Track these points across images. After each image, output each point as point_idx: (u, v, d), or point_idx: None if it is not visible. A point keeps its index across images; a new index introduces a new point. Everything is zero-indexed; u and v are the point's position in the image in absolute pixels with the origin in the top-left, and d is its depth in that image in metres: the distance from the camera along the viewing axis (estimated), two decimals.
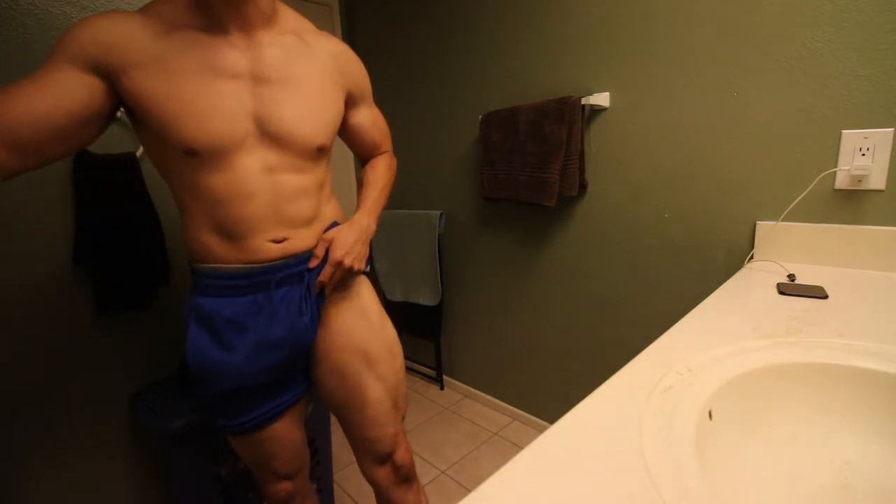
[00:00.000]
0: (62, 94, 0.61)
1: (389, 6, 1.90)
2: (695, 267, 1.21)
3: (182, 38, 0.67)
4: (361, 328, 0.86)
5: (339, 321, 0.85)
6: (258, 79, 0.71)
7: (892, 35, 0.86)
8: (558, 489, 0.34)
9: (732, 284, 0.86)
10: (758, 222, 1.06)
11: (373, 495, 1.40)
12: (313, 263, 0.80)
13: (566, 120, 1.29)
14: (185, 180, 0.72)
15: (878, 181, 0.91)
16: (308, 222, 0.80)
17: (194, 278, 0.79)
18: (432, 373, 2.13)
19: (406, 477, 0.91)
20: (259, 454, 0.85)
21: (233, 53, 0.70)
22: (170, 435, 1.01)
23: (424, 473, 1.52)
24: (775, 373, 0.52)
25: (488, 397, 1.91)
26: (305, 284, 0.80)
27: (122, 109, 0.70)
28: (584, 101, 1.29)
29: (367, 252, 0.87)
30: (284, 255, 0.77)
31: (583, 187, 1.38)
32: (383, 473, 0.90)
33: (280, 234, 0.76)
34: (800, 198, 0.99)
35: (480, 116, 1.56)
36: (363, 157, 0.99)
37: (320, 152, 0.79)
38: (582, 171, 1.36)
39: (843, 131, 0.93)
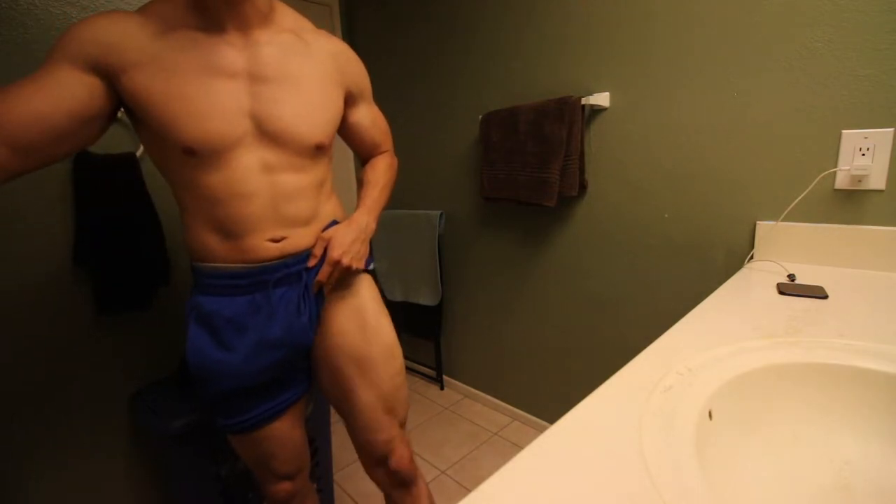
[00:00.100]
0: (63, 94, 0.61)
1: (389, 6, 1.90)
2: (695, 267, 1.21)
3: (180, 37, 0.67)
4: (355, 331, 0.84)
5: (335, 322, 0.84)
6: (255, 77, 0.72)
7: (892, 35, 0.86)
8: (558, 489, 0.34)
9: (732, 284, 0.86)
10: (758, 222, 1.06)
11: (372, 496, 1.41)
12: (311, 263, 0.80)
13: (566, 120, 1.29)
14: (185, 180, 0.72)
15: (878, 181, 0.91)
16: (307, 221, 0.80)
17: (195, 277, 0.80)
18: (432, 373, 2.13)
19: (403, 482, 0.89)
20: (258, 453, 0.85)
21: (230, 52, 0.70)
22: (170, 435, 1.01)
23: (424, 473, 1.52)
24: (775, 373, 0.52)
25: (488, 397, 1.91)
26: (304, 284, 0.80)
27: (122, 109, 0.70)
28: (584, 101, 1.29)
29: (367, 251, 0.86)
30: (282, 255, 0.77)
31: (583, 187, 1.38)
32: (380, 476, 0.90)
33: (278, 234, 0.76)
34: (800, 198, 0.99)
35: (480, 116, 1.56)
36: (363, 156, 0.99)
37: (319, 151, 0.79)
38: (582, 171, 1.36)
39: (843, 131, 0.93)
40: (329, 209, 0.85)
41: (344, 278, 0.85)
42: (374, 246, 2.09)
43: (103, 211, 1.09)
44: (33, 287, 1.05)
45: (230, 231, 0.74)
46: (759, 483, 0.44)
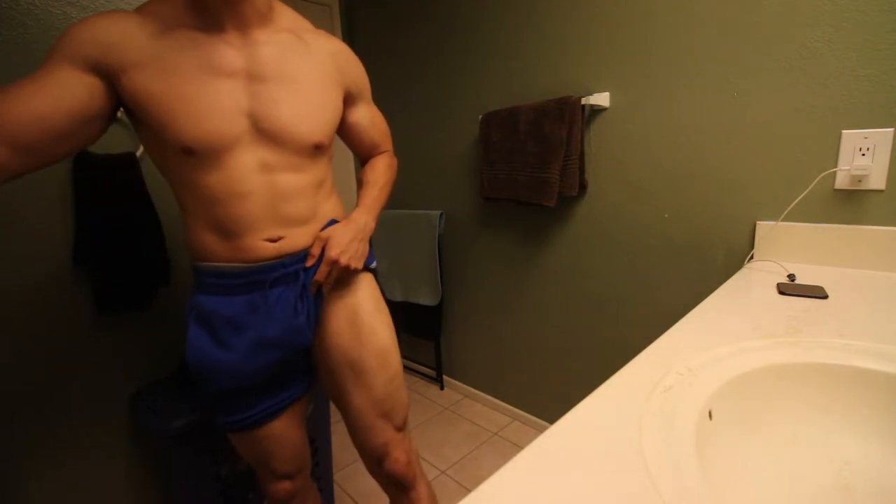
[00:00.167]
0: (63, 94, 0.61)
1: (389, 6, 1.90)
2: (695, 267, 1.21)
3: (179, 37, 0.67)
4: (348, 333, 0.83)
5: (331, 323, 0.84)
6: (254, 77, 0.72)
7: (892, 35, 0.86)
8: (558, 489, 0.34)
9: (732, 284, 0.86)
10: (758, 222, 1.06)
11: (372, 496, 1.41)
12: (309, 262, 0.80)
13: (566, 120, 1.29)
14: (184, 179, 0.72)
15: (878, 181, 0.91)
16: (305, 221, 0.80)
17: (195, 277, 0.80)
18: (432, 373, 2.13)
19: (400, 485, 0.87)
20: (258, 452, 0.85)
21: (229, 52, 0.70)
22: (170, 435, 1.01)
23: (425, 473, 1.52)
24: (775, 373, 0.52)
25: (488, 397, 1.91)
26: (301, 284, 0.80)
27: (121, 109, 0.70)
28: (584, 101, 1.29)
29: (366, 250, 0.86)
30: (279, 255, 0.77)
31: (583, 187, 1.38)
32: (378, 477, 0.89)
33: (276, 234, 0.76)
34: (800, 198, 0.99)
35: (480, 116, 1.56)
36: (362, 156, 0.99)
37: (318, 150, 0.79)
38: (582, 171, 1.36)
39: (843, 131, 0.93)
40: (328, 209, 0.85)
41: (343, 278, 0.84)
42: (375, 246, 2.09)
43: (103, 211, 1.09)
44: (33, 287, 1.05)
45: (228, 231, 0.74)
46: (759, 483, 0.44)
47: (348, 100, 0.88)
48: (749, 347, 0.56)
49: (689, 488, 0.33)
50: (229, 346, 0.76)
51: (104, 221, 1.09)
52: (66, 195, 1.08)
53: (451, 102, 1.75)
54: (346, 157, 2.14)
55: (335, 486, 1.46)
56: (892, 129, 0.88)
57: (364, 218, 0.86)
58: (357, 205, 0.90)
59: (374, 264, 0.91)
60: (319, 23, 1.98)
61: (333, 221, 0.85)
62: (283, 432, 0.85)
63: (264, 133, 0.73)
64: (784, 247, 1.02)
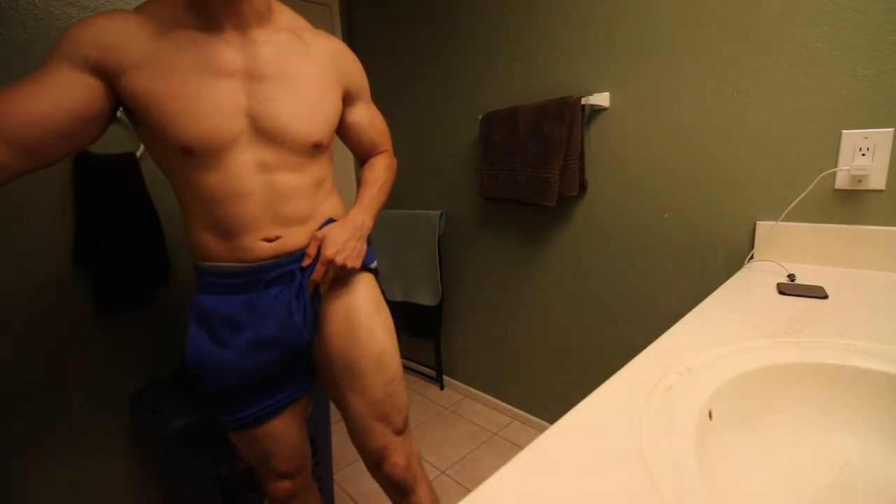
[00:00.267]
0: (63, 94, 0.61)
1: (389, 6, 1.90)
2: (695, 267, 1.21)
3: (178, 37, 0.67)
4: (344, 334, 0.82)
5: (329, 324, 0.83)
6: (253, 76, 0.72)
7: (892, 35, 0.86)
8: (558, 489, 0.34)
9: (732, 284, 0.86)
10: (758, 222, 1.06)
11: (372, 496, 1.41)
12: (306, 262, 0.80)
13: (566, 120, 1.30)
14: (184, 179, 0.72)
15: (878, 181, 0.91)
16: (303, 221, 0.80)
17: (197, 276, 0.80)
18: (432, 373, 2.13)
19: (399, 489, 0.86)
20: (258, 451, 0.85)
21: (228, 52, 0.70)
22: (170, 435, 1.01)
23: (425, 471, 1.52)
24: (775, 373, 0.52)
25: (488, 397, 1.91)
26: (298, 284, 0.80)
27: (121, 109, 0.70)
28: (584, 101, 1.29)
29: (363, 249, 0.85)
30: (276, 255, 0.77)
31: (583, 187, 1.38)
32: (378, 479, 0.88)
33: (273, 233, 0.76)
34: (800, 198, 0.99)
35: (480, 116, 1.56)
36: (361, 156, 0.99)
37: (317, 150, 0.79)
38: (582, 171, 1.36)
39: (843, 131, 0.93)
40: (327, 208, 0.84)
41: (340, 277, 0.84)
42: (375, 246, 2.09)
43: (103, 211, 1.09)
44: (33, 287, 1.05)
45: (226, 230, 0.74)
46: (759, 483, 0.44)
47: (347, 99, 0.88)
48: (749, 347, 0.56)
49: (689, 488, 0.33)
50: (228, 345, 0.77)
51: (104, 222, 1.09)
52: (66, 195, 1.08)
53: (451, 102, 1.75)
54: (346, 157, 2.14)
55: (335, 486, 1.46)
56: (892, 129, 0.88)
57: (361, 217, 0.86)
58: (355, 204, 0.90)
59: (374, 264, 0.90)
60: (319, 23, 1.98)
61: (331, 220, 0.84)
62: (283, 431, 0.85)
63: (263, 132, 0.73)
64: (784, 247, 1.02)
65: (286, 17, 0.79)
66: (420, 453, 0.92)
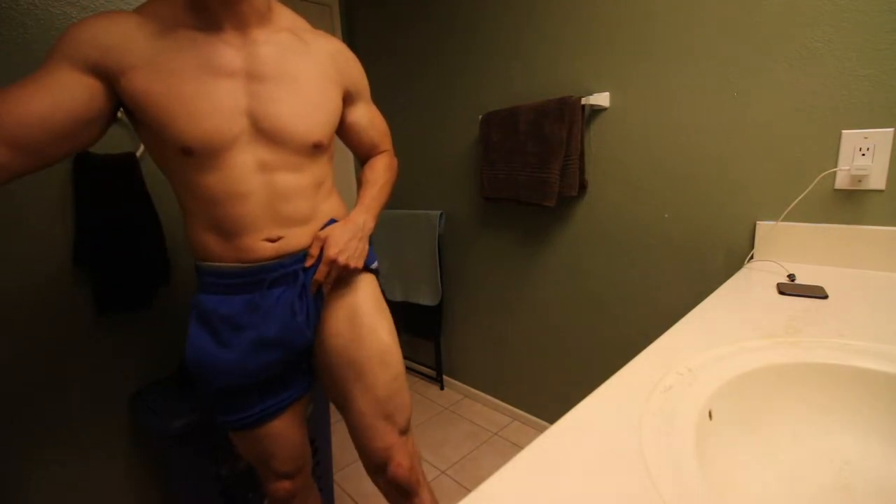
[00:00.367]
0: (63, 94, 0.61)
1: (389, 6, 1.90)
2: (695, 267, 1.21)
3: (178, 37, 0.67)
4: (349, 332, 0.82)
5: (332, 323, 0.83)
6: (253, 76, 0.72)
7: (892, 35, 0.86)
8: (558, 489, 0.34)
9: (732, 284, 0.86)
10: (758, 222, 1.06)
11: (372, 496, 1.41)
12: (308, 262, 0.80)
13: (566, 120, 1.30)
14: (184, 180, 0.72)
15: (878, 181, 0.91)
16: (304, 221, 0.80)
17: (197, 276, 0.80)
18: (432, 373, 2.13)
19: (404, 491, 0.84)
20: (258, 451, 0.85)
21: (228, 52, 0.70)
22: (170, 435, 1.01)
23: (425, 473, 1.52)
24: (775, 373, 0.52)
25: (488, 397, 1.91)
26: (300, 284, 0.80)
27: (121, 110, 0.70)
28: (584, 101, 1.29)
29: (366, 249, 0.85)
30: (279, 255, 0.77)
31: (583, 187, 1.38)
32: (379, 482, 0.87)
33: (275, 233, 0.76)
34: (800, 198, 0.99)
35: (480, 116, 1.56)
36: (361, 156, 0.99)
37: (317, 150, 0.79)
38: (582, 171, 1.36)
39: (843, 131, 0.93)
40: (328, 208, 0.84)
41: (342, 277, 0.84)
42: (375, 246, 2.09)
43: (103, 211, 1.09)
44: (34, 288, 1.05)
45: (227, 230, 0.74)
46: (759, 483, 0.44)
47: (347, 99, 0.88)
48: (749, 347, 0.56)
49: (689, 488, 0.33)
50: (229, 345, 0.77)
51: (104, 222, 1.09)
52: (66, 195, 1.08)
53: (451, 102, 1.75)
54: (347, 157, 2.14)
55: (335, 486, 1.46)
56: (892, 129, 0.88)
57: (363, 217, 0.86)
58: (356, 204, 0.90)
59: (375, 264, 0.90)
60: (319, 23, 1.98)
61: (333, 221, 0.85)
62: (284, 432, 0.85)
63: (263, 132, 0.73)
64: (784, 247, 1.02)
65: (286, 17, 0.79)
66: (420, 455, 0.91)
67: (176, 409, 1.05)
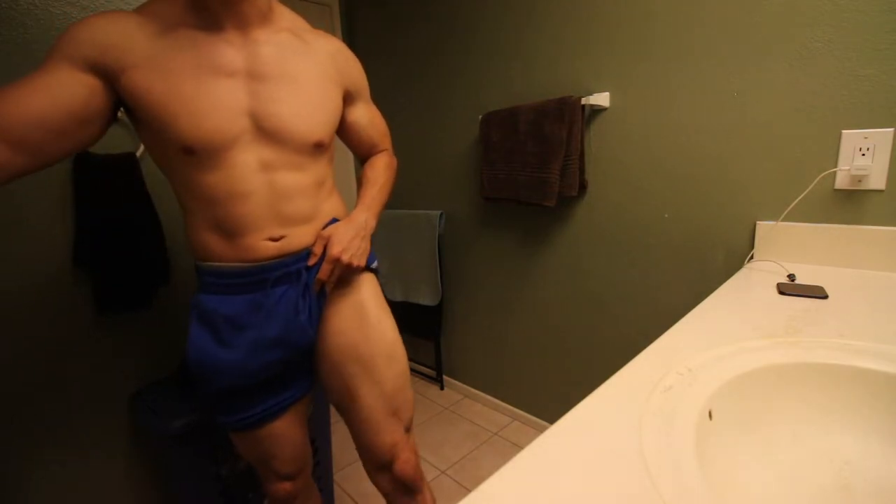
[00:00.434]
0: (61, 92, 0.60)
1: (389, 6, 1.90)
2: (695, 267, 1.21)
3: (179, 36, 0.67)
4: (356, 329, 0.83)
5: (336, 321, 0.83)
6: (254, 76, 0.72)
7: (892, 35, 0.86)
8: (558, 489, 0.34)
9: (732, 284, 0.86)
10: (758, 222, 1.06)
11: (372, 496, 1.41)
12: (311, 261, 0.80)
13: (566, 120, 1.30)
14: (185, 179, 0.72)
15: (878, 181, 0.91)
16: (306, 220, 0.80)
17: (198, 276, 0.80)
18: (432, 373, 2.13)
19: (408, 489, 0.85)
20: (259, 452, 0.85)
21: (229, 51, 0.70)
22: (170, 435, 1.01)
23: (425, 473, 1.52)
24: (775, 373, 0.52)
25: (488, 397, 1.91)
26: (303, 283, 0.80)
27: (122, 110, 0.70)
28: (584, 101, 1.29)
29: (368, 248, 0.86)
30: (281, 254, 0.77)
31: (583, 187, 1.38)
32: (383, 481, 0.86)
33: (277, 233, 0.76)
34: (800, 198, 0.99)
35: (480, 116, 1.56)
36: (361, 155, 0.99)
37: (318, 149, 0.79)
38: (582, 171, 1.36)
39: (843, 131, 0.93)
40: (329, 208, 0.85)
41: (345, 276, 0.84)
42: (375, 246, 2.09)
43: (103, 211, 1.09)
44: (34, 288, 1.05)
45: (229, 230, 0.74)
46: (759, 483, 0.44)
47: (347, 99, 0.88)
48: (749, 347, 0.56)
49: (689, 488, 0.33)
50: (231, 345, 0.76)
51: (104, 222, 1.09)
52: (66, 195, 1.08)
53: (451, 102, 1.75)
54: (347, 157, 2.14)
55: (335, 486, 1.46)
56: (892, 129, 0.88)
57: (365, 216, 0.86)
58: (357, 203, 0.90)
59: (375, 264, 0.91)
60: (319, 23, 1.98)
61: (335, 220, 0.85)
62: (286, 432, 0.85)
63: (265, 132, 0.73)
64: (784, 247, 1.02)
65: (286, 17, 0.79)
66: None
67: (176, 409, 1.05)
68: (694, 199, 1.18)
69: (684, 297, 1.24)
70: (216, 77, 0.69)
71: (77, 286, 1.11)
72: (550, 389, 1.66)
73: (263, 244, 0.75)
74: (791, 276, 0.87)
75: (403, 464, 0.84)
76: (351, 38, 2.11)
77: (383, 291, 0.93)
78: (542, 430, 1.72)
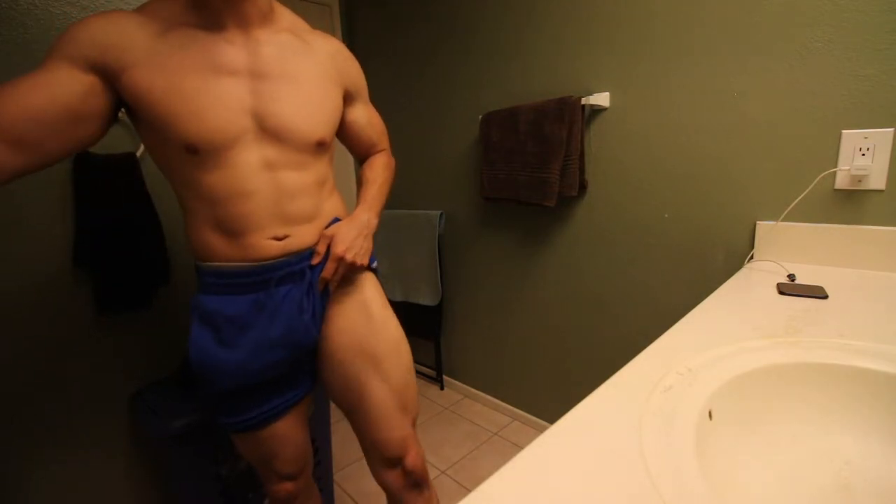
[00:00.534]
0: (59, 90, 0.60)
1: (389, 6, 1.90)
2: (695, 267, 1.21)
3: (180, 36, 0.67)
4: (363, 326, 0.83)
5: (341, 319, 0.84)
6: (256, 75, 0.72)
7: (892, 35, 0.86)
8: (558, 489, 0.34)
9: (732, 284, 0.86)
10: (758, 222, 1.06)
11: (373, 495, 1.41)
12: (315, 260, 0.80)
13: (566, 120, 1.30)
14: (187, 178, 0.72)
15: (878, 181, 0.91)
16: (309, 219, 0.80)
17: (198, 276, 0.80)
18: (432, 373, 2.13)
19: (417, 483, 0.86)
20: (261, 453, 0.85)
21: (231, 50, 0.70)
22: (170, 435, 1.01)
23: None
24: (775, 373, 0.52)
25: (488, 397, 1.91)
26: (307, 282, 0.80)
27: (122, 110, 0.70)
28: (584, 101, 1.29)
29: (370, 247, 0.86)
30: (285, 253, 0.77)
31: (583, 187, 1.38)
32: (393, 478, 0.86)
33: (280, 232, 0.76)
34: (800, 198, 0.99)
35: (480, 116, 1.56)
36: (359, 155, 0.99)
37: (320, 148, 0.79)
38: (582, 171, 1.36)
39: (843, 131, 0.93)
40: (331, 207, 0.85)
41: (348, 275, 0.84)
42: (375, 246, 2.09)
43: (103, 211, 1.09)
44: (34, 288, 1.05)
45: (232, 230, 0.74)
46: (759, 483, 0.44)
47: (346, 99, 0.88)
48: (749, 347, 0.56)
49: (689, 488, 0.33)
50: (234, 345, 0.76)
51: (104, 222, 1.09)
52: (66, 195, 1.08)
53: (451, 102, 1.75)
54: (346, 157, 2.14)
55: (335, 486, 1.46)
56: (892, 129, 0.88)
57: (367, 215, 0.86)
58: (358, 203, 0.90)
59: (374, 263, 0.91)
60: (319, 23, 1.98)
61: (337, 219, 0.85)
62: (287, 432, 0.85)
63: (268, 131, 0.73)
64: (784, 247, 1.02)
65: (286, 17, 0.79)
66: None
67: (176, 409, 1.05)
68: (694, 199, 1.18)
69: (684, 297, 1.24)
70: (218, 75, 0.68)
71: (77, 286, 1.11)
72: (550, 389, 1.66)
73: (267, 243, 0.75)
74: (791, 276, 0.87)
75: (415, 458, 0.85)
76: (351, 38, 2.11)
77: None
78: (542, 430, 1.72)
